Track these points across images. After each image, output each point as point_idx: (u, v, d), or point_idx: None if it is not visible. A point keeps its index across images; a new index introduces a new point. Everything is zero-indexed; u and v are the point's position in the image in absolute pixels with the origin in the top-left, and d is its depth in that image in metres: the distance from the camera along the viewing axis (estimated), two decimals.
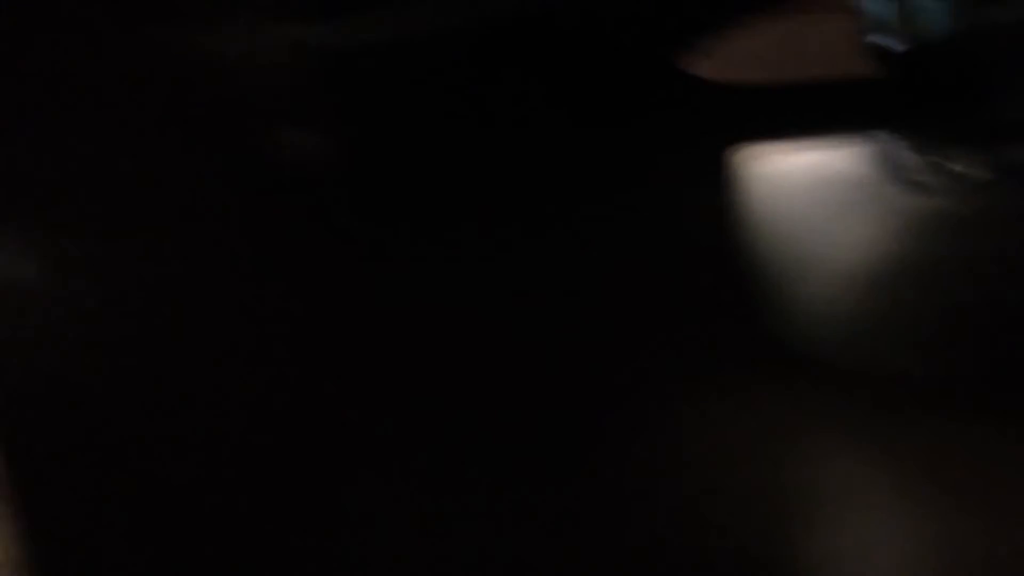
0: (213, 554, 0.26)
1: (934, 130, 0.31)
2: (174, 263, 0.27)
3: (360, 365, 0.29)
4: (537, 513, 0.26)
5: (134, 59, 0.27)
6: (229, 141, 0.28)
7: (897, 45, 0.31)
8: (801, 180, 0.32)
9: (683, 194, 0.32)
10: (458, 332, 0.31)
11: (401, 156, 0.33)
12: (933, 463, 0.27)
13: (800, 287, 0.32)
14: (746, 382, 0.32)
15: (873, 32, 0.32)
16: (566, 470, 0.28)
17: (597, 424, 0.31)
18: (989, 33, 0.30)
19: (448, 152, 0.34)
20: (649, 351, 0.33)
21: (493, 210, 0.34)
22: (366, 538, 0.27)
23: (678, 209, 0.32)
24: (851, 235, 0.31)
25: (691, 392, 0.32)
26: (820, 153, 0.32)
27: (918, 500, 0.27)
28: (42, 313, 0.26)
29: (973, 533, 0.24)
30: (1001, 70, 0.31)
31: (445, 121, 0.33)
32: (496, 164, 0.34)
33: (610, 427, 0.31)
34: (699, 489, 0.27)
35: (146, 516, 0.26)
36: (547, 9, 0.31)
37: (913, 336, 0.31)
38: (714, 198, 0.32)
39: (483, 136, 0.33)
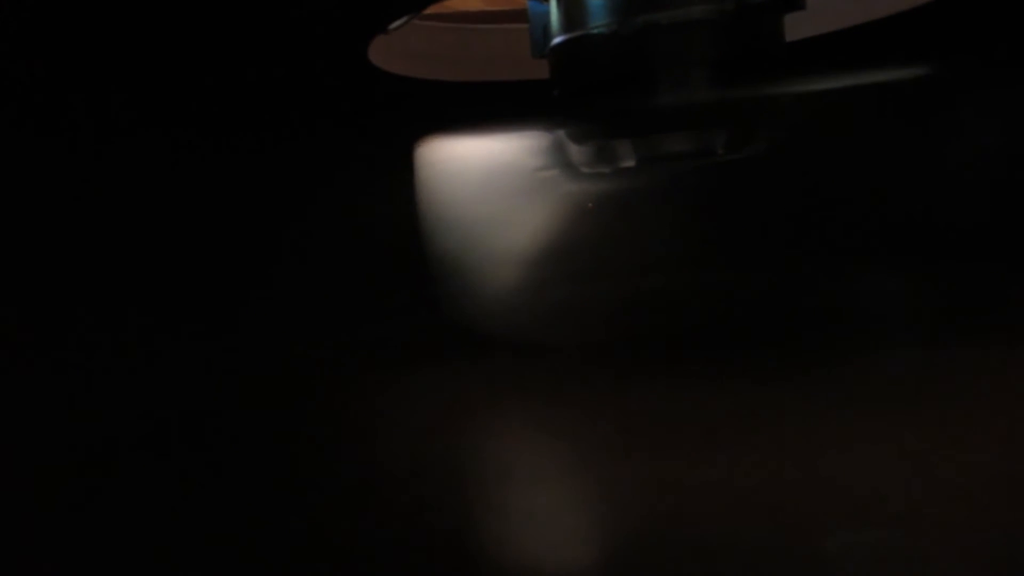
0: None
1: (596, 121, 0.33)
2: None
3: None
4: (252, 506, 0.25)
5: None
6: None
7: (561, 42, 0.33)
8: (479, 170, 0.33)
9: (368, 184, 0.33)
10: None
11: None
12: (612, 429, 0.28)
13: (481, 270, 0.33)
14: (433, 364, 0.32)
15: (541, 33, 0.35)
16: (277, 452, 0.28)
17: (300, 408, 0.30)
18: (647, 32, 0.33)
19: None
20: (341, 336, 0.33)
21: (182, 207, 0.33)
22: None
23: (363, 199, 0.33)
24: (526, 219, 0.32)
25: (383, 377, 0.32)
26: (496, 144, 0.33)
27: (603, 463, 0.27)
28: None
29: (657, 492, 0.24)
30: (656, 65, 0.33)
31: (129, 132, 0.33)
32: (182, 165, 0.33)
33: (312, 411, 0.30)
34: (388, 465, 0.27)
35: None
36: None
37: (590, 309, 0.32)
38: (397, 188, 0.33)
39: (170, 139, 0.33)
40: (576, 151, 0.33)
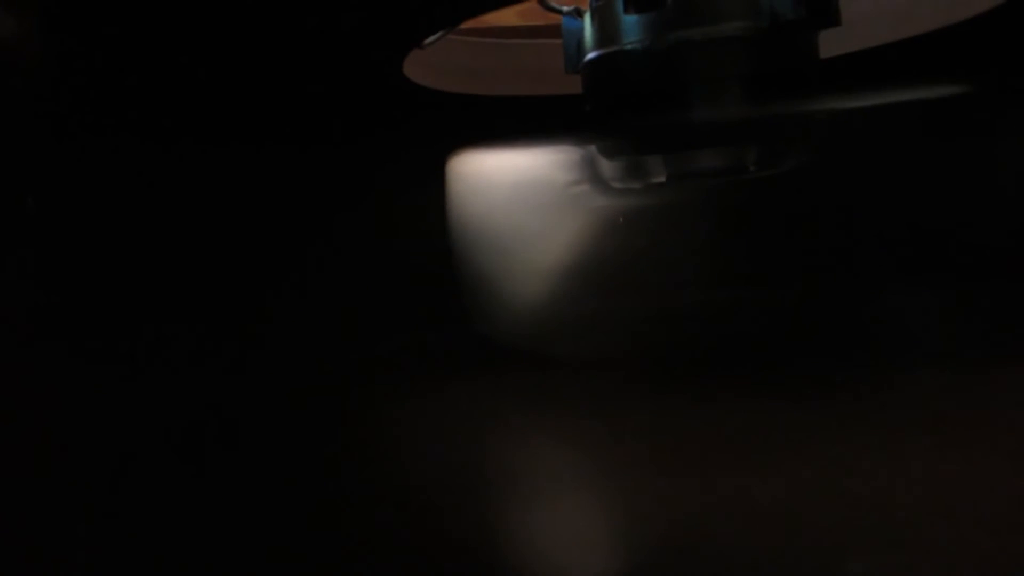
0: None
1: (628, 136, 0.33)
2: None
3: None
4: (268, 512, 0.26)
5: None
6: None
7: (594, 58, 0.34)
8: (510, 184, 0.33)
9: (400, 197, 0.33)
10: None
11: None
12: (639, 444, 0.28)
13: (510, 284, 0.33)
14: (460, 376, 0.32)
15: (575, 48, 0.35)
16: (302, 461, 0.28)
17: (326, 418, 0.31)
18: (680, 49, 0.33)
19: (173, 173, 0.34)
20: (369, 346, 0.33)
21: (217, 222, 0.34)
22: None
23: (395, 211, 0.33)
24: (556, 233, 0.33)
25: (409, 388, 0.32)
26: (528, 158, 0.33)
27: (628, 477, 0.27)
28: None
29: (680, 507, 0.24)
30: (688, 82, 0.33)
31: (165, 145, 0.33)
32: (218, 176, 0.34)
33: (339, 421, 0.31)
34: (415, 476, 0.27)
35: None
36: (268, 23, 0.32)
37: (614, 326, 0.32)
38: (429, 200, 0.33)
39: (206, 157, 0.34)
40: (607, 166, 0.33)
